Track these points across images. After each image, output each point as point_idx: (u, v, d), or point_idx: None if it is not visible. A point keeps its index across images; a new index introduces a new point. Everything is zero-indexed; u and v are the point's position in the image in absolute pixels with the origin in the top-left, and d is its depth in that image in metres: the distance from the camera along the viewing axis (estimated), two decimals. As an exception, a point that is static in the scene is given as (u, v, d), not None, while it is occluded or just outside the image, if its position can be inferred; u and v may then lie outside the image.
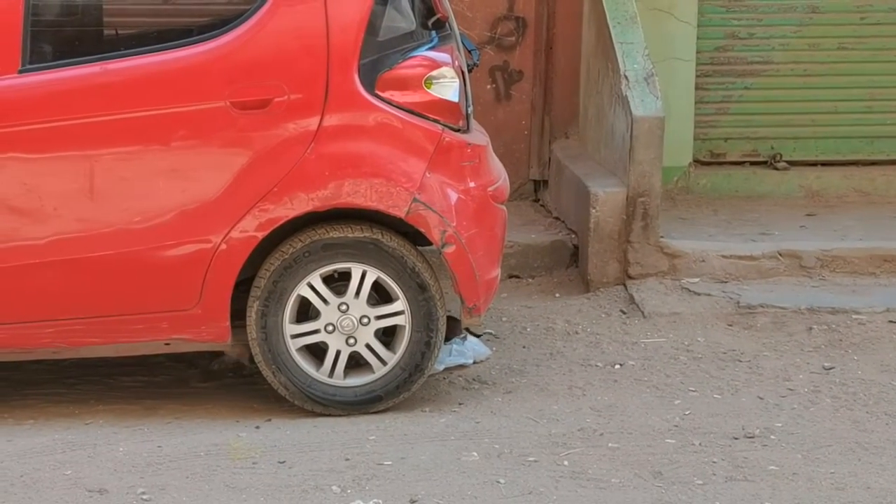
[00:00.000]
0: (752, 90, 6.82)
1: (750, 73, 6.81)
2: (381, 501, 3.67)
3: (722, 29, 6.78)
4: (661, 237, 5.73)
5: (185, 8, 4.89)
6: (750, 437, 4.19)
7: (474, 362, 4.89)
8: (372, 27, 4.30)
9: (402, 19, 4.38)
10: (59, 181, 4.22)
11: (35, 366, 4.80)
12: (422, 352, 4.39)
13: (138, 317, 4.29)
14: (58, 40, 4.44)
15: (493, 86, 6.80)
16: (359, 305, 4.34)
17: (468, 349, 4.91)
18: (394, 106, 4.31)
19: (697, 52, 6.69)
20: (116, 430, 4.26)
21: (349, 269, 4.33)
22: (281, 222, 4.26)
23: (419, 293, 4.35)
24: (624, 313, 5.47)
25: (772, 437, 4.20)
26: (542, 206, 6.80)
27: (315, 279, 4.32)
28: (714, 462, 3.99)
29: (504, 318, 5.43)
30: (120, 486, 3.80)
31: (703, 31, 6.71)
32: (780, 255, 5.74)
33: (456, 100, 4.39)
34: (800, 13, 6.80)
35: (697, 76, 6.72)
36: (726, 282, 5.66)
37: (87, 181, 4.22)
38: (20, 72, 4.20)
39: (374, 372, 4.40)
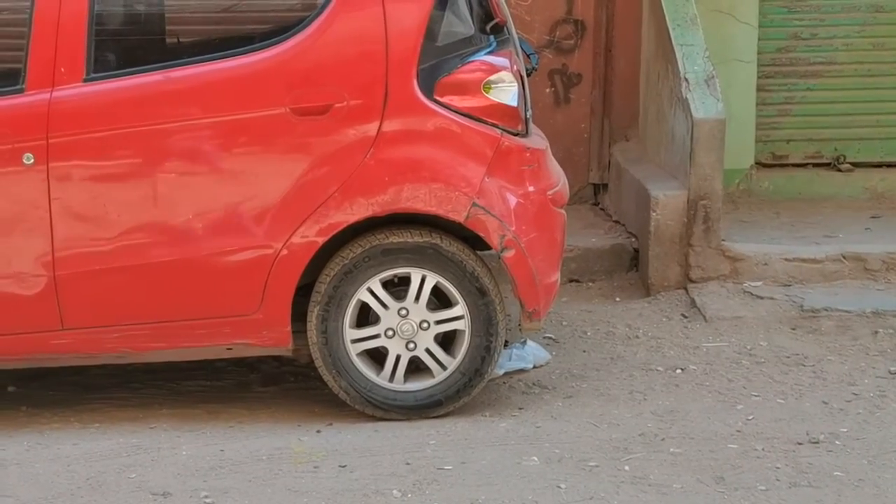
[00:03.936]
0: (815, 91, 6.75)
1: (812, 73, 6.74)
2: (441, 506, 3.68)
3: (784, 30, 6.72)
4: (723, 240, 5.69)
5: (245, 16, 4.94)
6: (814, 443, 4.14)
7: (534, 367, 4.87)
8: (430, 32, 4.31)
9: (460, 24, 4.38)
10: (124, 188, 4.28)
11: (100, 370, 4.87)
12: (482, 356, 4.39)
13: (201, 322, 4.33)
14: (121, 49, 4.50)
15: (552, 89, 6.79)
16: (418, 310, 4.35)
17: (528, 353, 4.90)
18: (452, 111, 4.32)
19: (759, 54, 6.64)
20: (179, 434, 4.31)
21: (409, 273, 4.35)
22: (341, 227, 4.29)
23: (479, 298, 4.35)
24: (685, 317, 5.43)
25: (837, 442, 4.15)
26: (601, 209, 6.77)
27: (375, 284, 4.34)
28: (777, 468, 3.95)
29: (564, 323, 5.42)
30: (183, 489, 3.84)
31: (764, 32, 6.65)
32: (845, 257, 5.67)
33: (514, 104, 4.38)
34: (863, 13, 6.71)
35: (759, 77, 6.66)
36: (789, 285, 5.60)
37: (151, 188, 4.27)
38: (85, 81, 4.26)
39: (434, 376, 4.40)
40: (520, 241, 4.34)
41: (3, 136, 4.23)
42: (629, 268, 6.01)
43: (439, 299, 4.40)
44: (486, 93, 4.34)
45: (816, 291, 5.53)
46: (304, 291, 4.38)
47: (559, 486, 3.81)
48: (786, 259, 5.67)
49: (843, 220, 6.22)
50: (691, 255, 5.65)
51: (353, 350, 4.38)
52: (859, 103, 6.74)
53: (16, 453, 4.14)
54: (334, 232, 4.29)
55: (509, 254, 4.34)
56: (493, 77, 4.35)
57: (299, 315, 4.37)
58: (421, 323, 4.36)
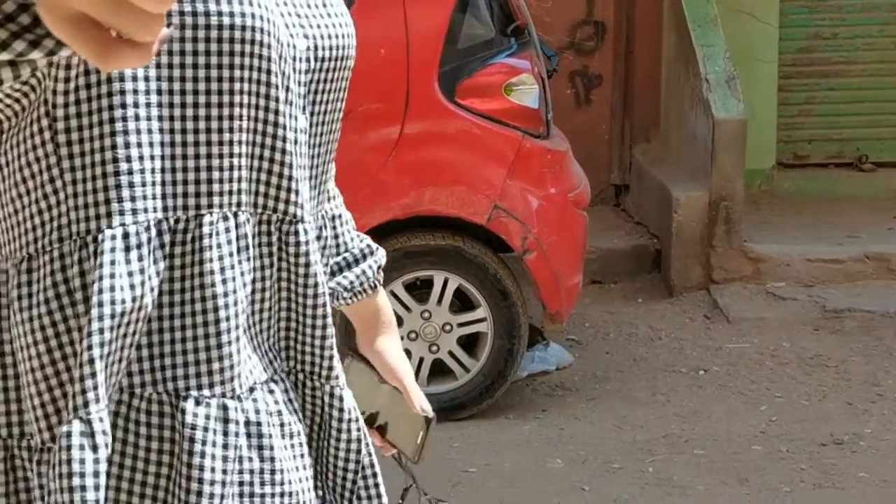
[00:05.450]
0: (837, 91, 6.73)
1: (834, 73, 6.72)
2: (465, 508, 3.68)
3: (805, 30, 6.70)
4: (745, 241, 5.67)
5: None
6: (838, 444, 4.13)
7: (557, 369, 4.87)
8: (451, 35, 4.32)
9: (481, 27, 4.39)
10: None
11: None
12: (504, 359, 4.39)
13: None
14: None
15: (573, 91, 6.79)
16: (441, 313, 4.36)
17: (551, 355, 4.90)
18: (474, 113, 4.32)
19: (780, 54, 6.62)
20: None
21: (431, 276, 4.35)
22: (363, 231, 4.28)
23: (501, 300, 4.35)
24: (708, 318, 5.42)
25: (861, 443, 4.13)
26: (623, 210, 6.77)
27: (397, 287, 4.35)
28: (802, 469, 3.94)
29: (587, 324, 5.42)
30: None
31: (785, 32, 6.64)
32: (868, 258, 5.65)
33: (536, 106, 4.39)
34: (885, 12, 6.69)
35: (780, 77, 6.64)
36: (812, 286, 5.58)
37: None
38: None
39: (457, 379, 4.41)
40: (542, 244, 4.34)
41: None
42: (651, 269, 6.00)
43: (462, 302, 4.40)
44: (508, 95, 4.34)
45: (839, 292, 5.51)
46: (326, 294, 4.39)
47: (583, 488, 3.81)
48: (808, 259, 5.65)
49: (866, 220, 6.20)
50: (713, 256, 5.64)
51: (376, 353, 4.37)
52: (881, 102, 6.72)
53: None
54: (356, 235, 4.29)
55: (531, 256, 4.34)
56: (514, 79, 4.35)
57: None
58: (444, 325, 4.36)
